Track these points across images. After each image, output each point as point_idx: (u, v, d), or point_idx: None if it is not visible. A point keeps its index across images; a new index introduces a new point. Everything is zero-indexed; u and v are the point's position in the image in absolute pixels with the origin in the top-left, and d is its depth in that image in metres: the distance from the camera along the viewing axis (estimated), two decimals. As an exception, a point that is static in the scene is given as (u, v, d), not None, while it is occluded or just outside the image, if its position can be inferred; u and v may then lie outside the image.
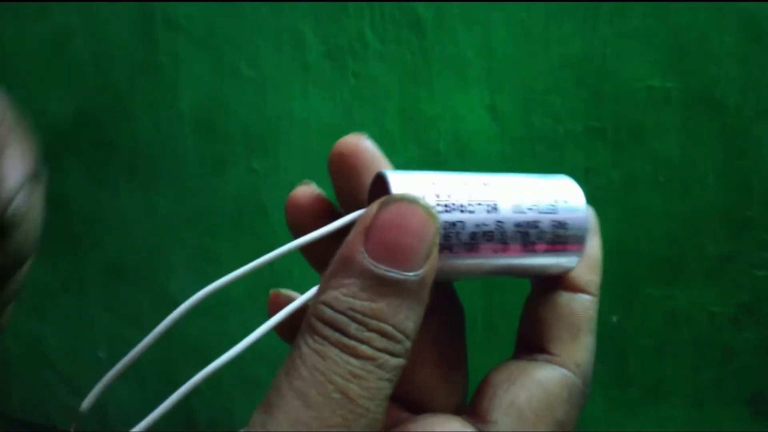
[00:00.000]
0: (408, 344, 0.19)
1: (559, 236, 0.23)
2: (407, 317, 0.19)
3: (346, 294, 0.19)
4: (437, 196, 0.21)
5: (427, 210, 0.20)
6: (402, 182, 0.21)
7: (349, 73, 0.55)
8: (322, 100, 0.56)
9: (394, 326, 0.19)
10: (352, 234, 0.20)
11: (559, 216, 0.23)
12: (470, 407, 0.23)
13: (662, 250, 0.55)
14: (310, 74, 0.56)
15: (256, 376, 0.61)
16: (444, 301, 0.25)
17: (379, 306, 0.19)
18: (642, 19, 0.53)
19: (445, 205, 0.21)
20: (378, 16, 0.54)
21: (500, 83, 0.54)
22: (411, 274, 0.19)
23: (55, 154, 0.59)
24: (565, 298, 0.24)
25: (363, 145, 0.24)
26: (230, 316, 0.59)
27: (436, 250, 0.20)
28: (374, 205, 0.20)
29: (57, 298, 0.66)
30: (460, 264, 0.22)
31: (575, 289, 0.24)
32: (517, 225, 0.22)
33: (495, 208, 0.22)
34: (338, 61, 0.55)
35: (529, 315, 0.25)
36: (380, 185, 0.22)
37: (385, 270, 0.19)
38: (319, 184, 0.61)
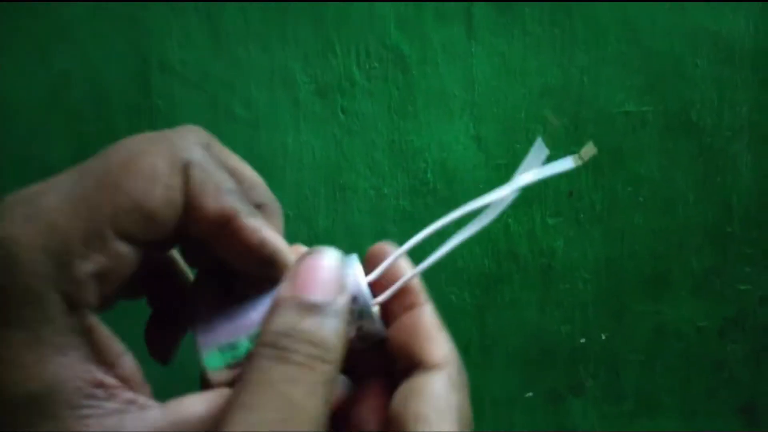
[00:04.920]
0: (334, 354, 0.24)
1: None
2: (330, 332, 0.24)
3: (279, 322, 0.24)
4: None
5: (333, 256, 0.26)
6: None
7: (338, 109, 0.57)
8: (314, 136, 0.58)
9: (320, 338, 0.23)
10: (281, 285, 0.25)
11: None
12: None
13: (648, 268, 0.57)
14: (301, 111, 0.58)
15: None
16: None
17: (305, 323, 0.23)
18: (617, 46, 0.55)
19: None
20: (364, 54, 0.56)
21: (483, 114, 0.56)
22: (327, 299, 0.24)
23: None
24: (410, 319, 0.28)
25: (389, 251, 0.29)
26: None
27: (347, 285, 0.26)
28: (297, 261, 0.26)
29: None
30: None
31: (412, 306, 0.28)
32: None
33: None
34: (328, 98, 0.57)
35: (393, 344, 0.28)
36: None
37: (306, 297, 0.24)
38: (310, 214, 0.63)
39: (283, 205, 0.59)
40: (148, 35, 0.58)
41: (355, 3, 0.56)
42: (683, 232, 0.56)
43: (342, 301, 0.25)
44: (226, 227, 0.26)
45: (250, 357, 0.23)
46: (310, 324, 0.23)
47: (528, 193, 0.57)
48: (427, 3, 0.56)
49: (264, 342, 0.23)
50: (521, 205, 0.57)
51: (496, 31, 0.55)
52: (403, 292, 0.29)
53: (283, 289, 0.25)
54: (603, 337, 0.57)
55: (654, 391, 0.58)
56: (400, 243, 0.59)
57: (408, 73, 0.56)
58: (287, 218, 0.61)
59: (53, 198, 0.24)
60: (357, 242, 0.59)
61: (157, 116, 0.59)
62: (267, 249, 0.26)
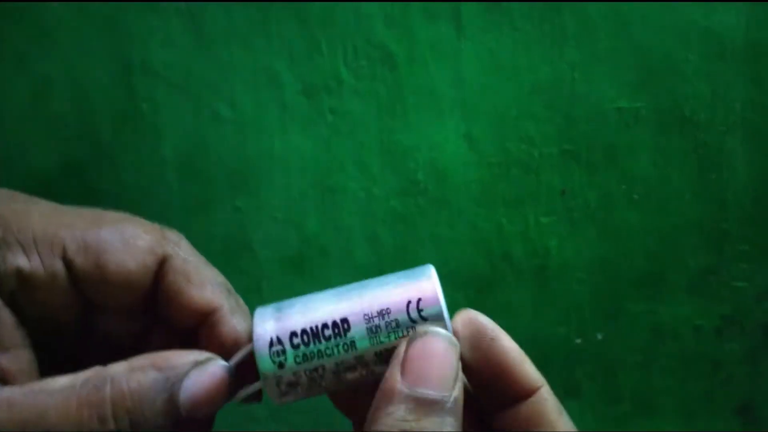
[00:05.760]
0: None
1: None
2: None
3: (396, 419, 0.21)
4: (295, 347, 0.24)
5: (448, 339, 0.23)
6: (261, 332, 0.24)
7: (325, 109, 0.56)
8: (301, 137, 0.57)
9: None
10: (389, 371, 0.23)
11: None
12: None
13: (643, 266, 0.56)
14: (288, 112, 0.57)
15: (252, 411, 0.61)
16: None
17: (425, 423, 0.21)
18: (608, 42, 0.54)
19: (304, 355, 0.24)
20: (351, 53, 0.55)
21: (474, 112, 0.55)
22: (446, 394, 0.22)
23: (40, 203, 0.60)
24: (528, 408, 0.25)
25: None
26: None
27: (460, 372, 0.23)
28: (402, 343, 0.23)
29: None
30: (334, 388, 0.24)
31: (528, 389, 0.25)
32: (377, 354, 0.24)
33: (353, 346, 0.24)
34: (314, 98, 0.56)
35: None
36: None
37: (424, 392, 0.21)
38: (299, 218, 0.62)
39: (271, 209, 0.59)
40: (130, 37, 0.57)
41: (341, 1, 0.55)
42: (678, 230, 0.55)
43: (458, 395, 0.22)
44: (207, 318, 0.27)
45: None
46: (430, 424, 0.21)
47: (520, 192, 0.56)
48: (415, 0, 0.55)
49: None
50: (514, 205, 0.56)
51: (485, 27, 0.54)
52: (505, 375, 0.25)
53: (393, 378, 0.22)
54: (599, 338, 0.56)
55: (651, 392, 0.57)
56: (393, 244, 0.58)
57: (396, 72, 0.55)
58: (275, 222, 0.60)
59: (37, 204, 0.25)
60: (347, 245, 0.58)
61: (141, 119, 0.58)
62: (238, 346, 0.26)
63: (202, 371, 0.24)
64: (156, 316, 0.28)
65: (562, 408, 0.25)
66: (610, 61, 0.54)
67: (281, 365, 0.24)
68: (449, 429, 0.21)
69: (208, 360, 0.24)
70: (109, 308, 0.27)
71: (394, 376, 0.22)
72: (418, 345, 0.23)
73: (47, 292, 0.24)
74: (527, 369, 0.25)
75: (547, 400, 0.25)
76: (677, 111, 0.54)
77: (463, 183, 0.56)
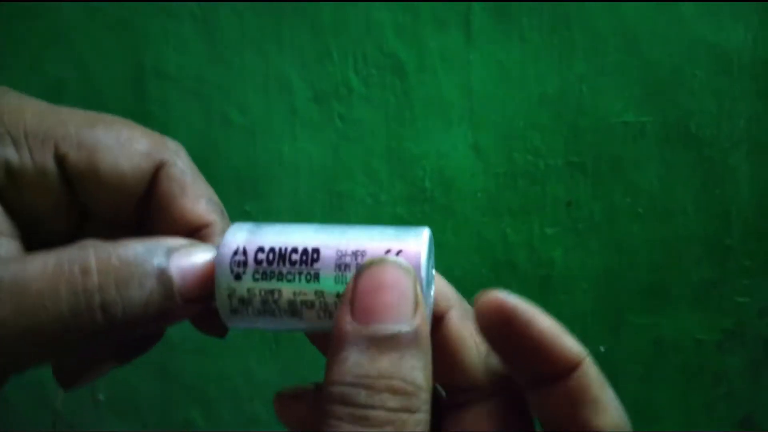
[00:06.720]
0: (424, 395, 0.19)
1: None
2: (413, 367, 0.19)
3: (349, 364, 0.19)
4: (257, 262, 0.22)
5: (398, 265, 0.20)
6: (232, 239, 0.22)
7: (335, 116, 0.57)
8: (311, 143, 0.57)
9: (402, 379, 0.19)
10: (338, 312, 0.20)
11: None
12: None
13: (646, 279, 0.56)
14: (298, 118, 0.57)
15: (255, 413, 0.62)
16: (500, 383, 0.25)
17: (382, 364, 0.18)
18: (616, 56, 0.55)
19: (263, 273, 0.22)
20: (361, 61, 0.56)
21: (481, 122, 0.56)
22: (403, 325, 0.19)
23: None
24: (571, 381, 0.22)
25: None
26: (227, 356, 0.60)
27: (421, 300, 0.20)
28: (351, 279, 0.20)
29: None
30: (285, 323, 0.22)
31: (569, 365, 0.22)
32: (339, 296, 0.21)
33: (316, 277, 0.21)
34: (325, 105, 0.57)
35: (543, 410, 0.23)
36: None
37: (376, 327, 0.19)
38: (307, 221, 0.62)
39: (279, 213, 0.59)
40: (144, 40, 0.58)
41: (352, 9, 0.56)
42: (682, 244, 0.55)
43: (420, 322, 0.19)
44: (196, 234, 0.25)
45: (321, 414, 0.19)
46: (387, 363, 0.18)
47: (526, 202, 0.56)
48: (425, 9, 0.55)
49: (333, 396, 0.18)
50: (519, 215, 0.56)
51: (494, 38, 0.55)
52: (542, 355, 0.22)
53: (342, 319, 0.19)
54: (602, 350, 0.57)
55: (653, 405, 0.57)
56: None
57: (406, 80, 0.56)
58: (282, 226, 0.60)
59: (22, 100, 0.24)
60: (353, 251, 0.58)
61: (153, 122, 0.58)
62: None
63: (193, 249, 0.22)
64: (148, 231, 0.26)
65: (604, 379, 0.23)
66: (618, 74, 0.54)
67: (238, 276, 0.22)
68: (411, 363, 0.19)
69: (200, 243, 0.23)
70: (100, 216, 0.26)
71: (343, 317, 0.19)
72: (365, 278, 0.20)
73: (37, 191, 0.23)
74: (566, 344, 0.22)
75: (588, 373, 0.22)
76: (683, 126, 0.54)
77: (470, 192, 0.56)
